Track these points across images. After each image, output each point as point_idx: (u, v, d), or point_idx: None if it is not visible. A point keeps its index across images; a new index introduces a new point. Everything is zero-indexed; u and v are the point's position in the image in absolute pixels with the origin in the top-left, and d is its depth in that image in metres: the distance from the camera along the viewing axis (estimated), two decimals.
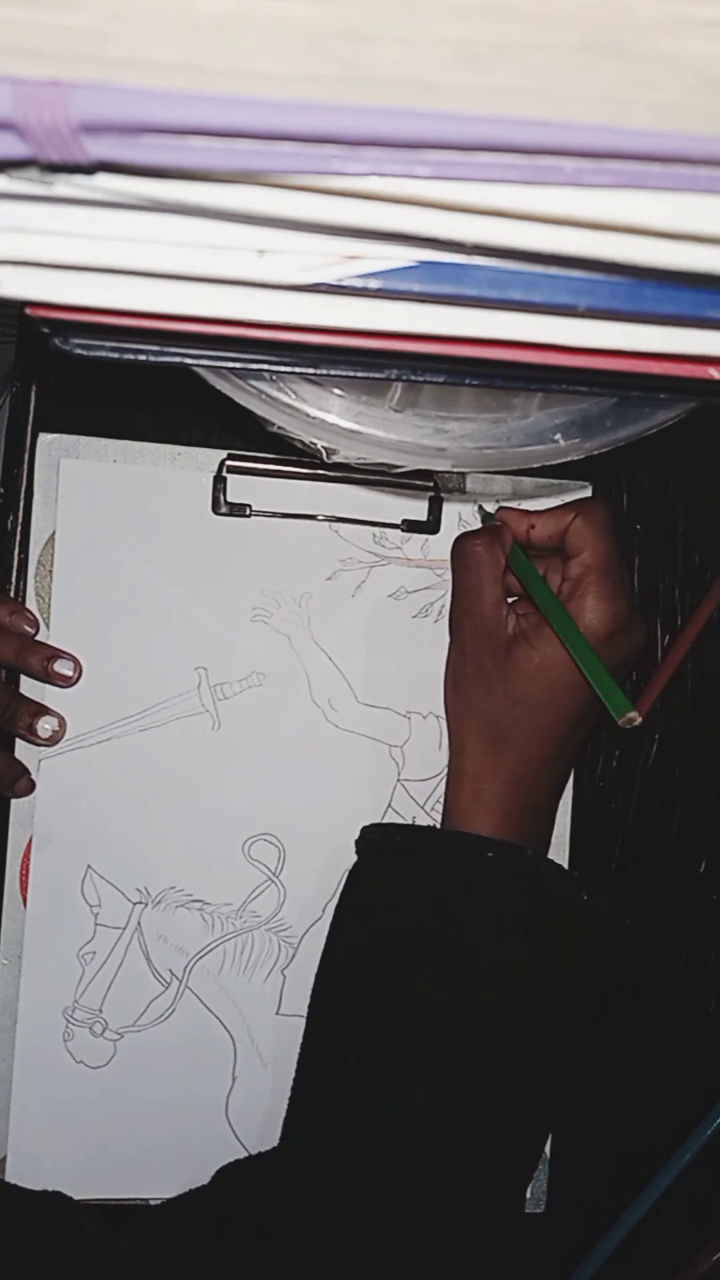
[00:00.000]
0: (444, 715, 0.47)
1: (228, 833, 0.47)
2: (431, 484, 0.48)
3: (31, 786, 0.45)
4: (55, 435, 0.45)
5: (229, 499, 0.47)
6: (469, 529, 0.47)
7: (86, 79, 0.17)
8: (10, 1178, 0.44)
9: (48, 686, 0.45)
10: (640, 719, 0.38)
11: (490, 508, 0.47)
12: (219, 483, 0.46)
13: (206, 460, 0.47)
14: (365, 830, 0.45)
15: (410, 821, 0.48)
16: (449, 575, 0.48)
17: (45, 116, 0.17)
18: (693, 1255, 0.50)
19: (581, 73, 0.17)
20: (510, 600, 0.44)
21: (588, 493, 0.49)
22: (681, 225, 0.19)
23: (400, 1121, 0.38)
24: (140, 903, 0.46)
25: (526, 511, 0.44)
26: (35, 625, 0.45)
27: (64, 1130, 0.45)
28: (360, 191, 0.19)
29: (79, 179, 0.19)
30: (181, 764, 0.46)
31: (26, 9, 0.16)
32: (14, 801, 0.45)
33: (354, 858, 0.47)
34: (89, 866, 0.45)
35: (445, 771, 0.47)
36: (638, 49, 0.17)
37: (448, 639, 0.46)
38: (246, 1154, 0.46)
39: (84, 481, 0.45)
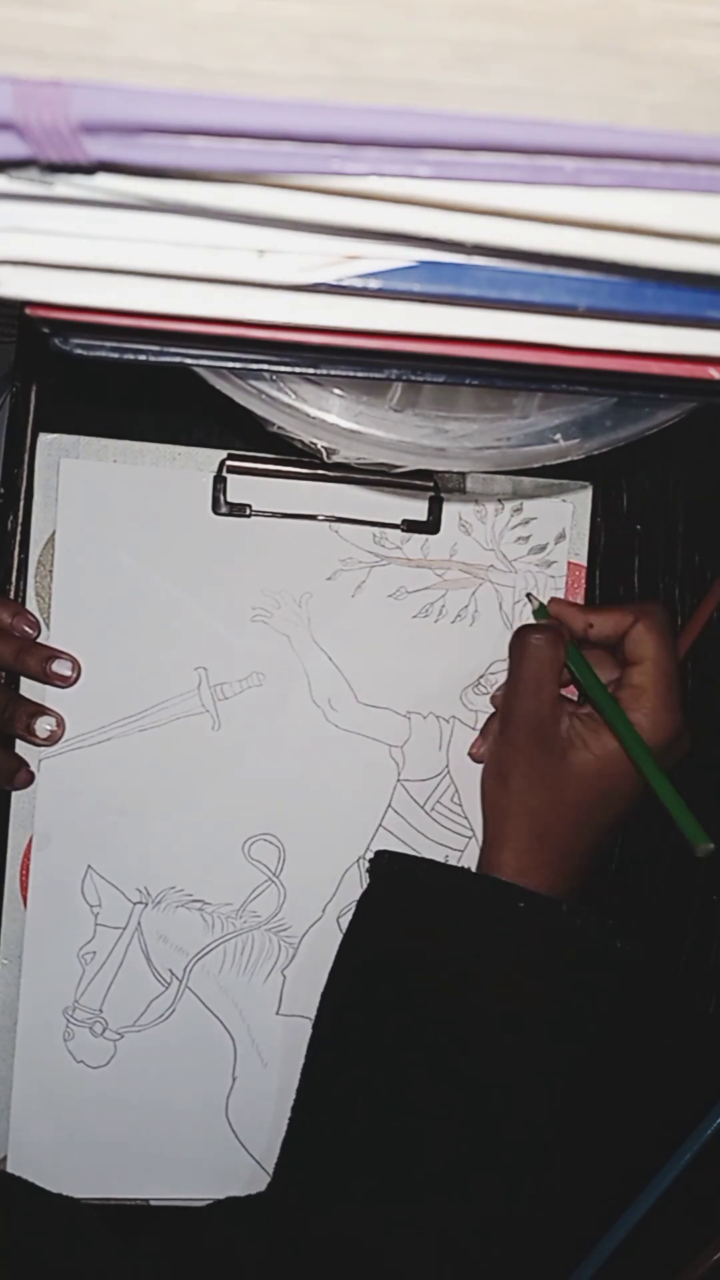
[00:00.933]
0: (482, 784, 0.46)
1: (228, 833, 0.47)
2: (431, 484, 0.48)
3: (30, 779, 0.45)
4: (55, 435, 0.45)
5: (229, 499, 0.47)
6: (526, 621, 0.47)
7: (86, 79, 0.17)
8: None
9: (46, 692, 0.45)
10: (712, 847, 0.38)
11: (541, 599, 0.47)
12: (219, 483, 0.46)
13: (206, 460, 0.47)
14: (385, 857, 0.44)
15: (409, 822, 0.48)
16: (449, 575, 0.48)
17: (45, 116, 0.17)
18: (693, 1255, 0.50)
19: (581, 73, 0.17)
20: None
21: (588, 493, 0.49)
22: (681, 225, 0.19)
23: (407, 1166, 0.38)
24: (140, 903, 0.46)
25: (584, 609, 0.45)
26: (36, 627, 0.45)
27: (64, 1130, 0.45)
28: (360, 191, 0.19)
29: (79, 179, 0.19)
30: (181, 764, 0.46)
31: (26, 9, 0.16)
32: (14, 801, 0.45)
33: (354, 857, 0.47)
34: (89, 866, 0.45)
35: (439, 789, 0.47)
36: (638, 49, 0.17)
37: (443, 649, 0.46)
38: (246, 1153, 0.46)
39: (84, 481, 0.45)
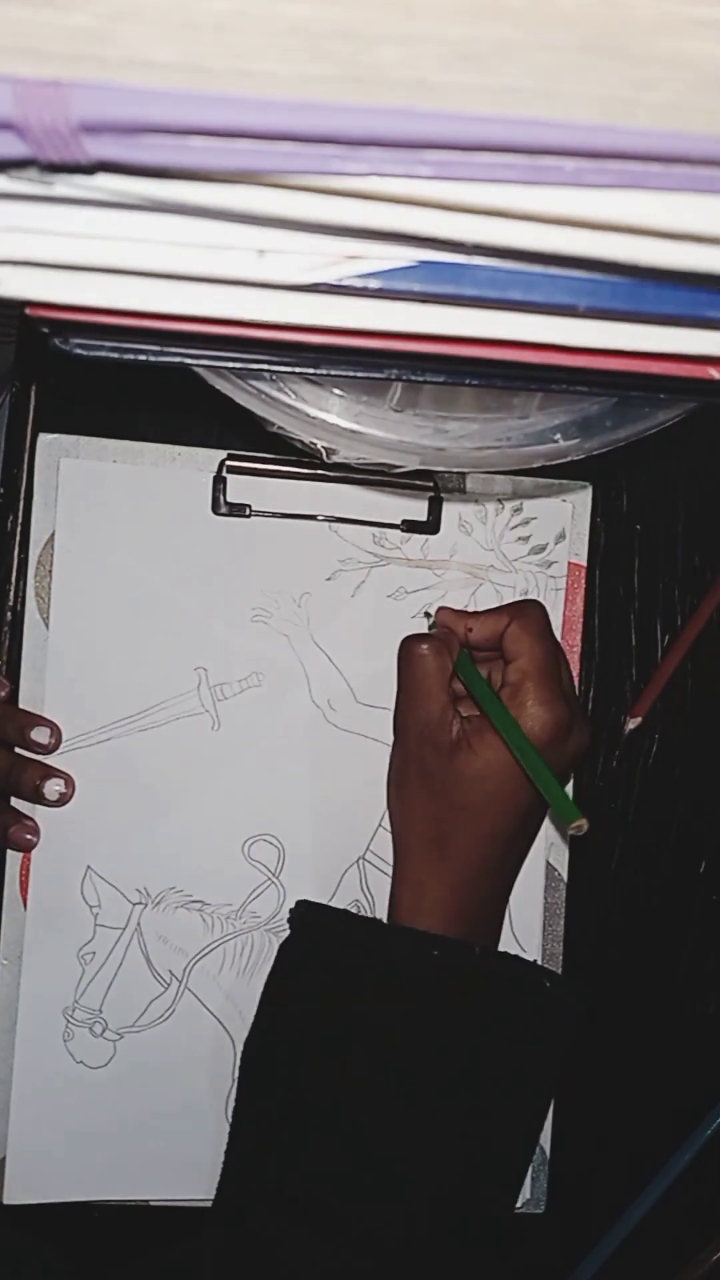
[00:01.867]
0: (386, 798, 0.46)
1: (227, 833, 0.47)
2: (431, 484, 0.48)
3: (35, 838, 0.44)
4: (55, 435, 0.45)
5: (229, 499, 0.46)
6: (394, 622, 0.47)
7: (86, 79, 0.17)
8: (9, 1178, 0.44)
9: (45, 693, 0.45)
10: (587, 826, 0.38)
11: (432, 609, 0.47)
12: (219, 483, 0.46)
13: (206, 460, 0.47)
14: (303, 907, 0.44)
15: None
16: (449, 576, 0.48)
17: (45, 116, 0.17)
18: (693, 1255, 0.50)
19: (581, 73, 0.17)
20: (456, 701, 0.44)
21: (588, 493, 0.49)
22: (681, 225, 0.19)
23: (331, 1217, 0.38)
24: (140, 903, 0.46)
25: (464, 614, 0.44)
26: (5, 688, 0.44)
27: (63, 1130, 0.45)
28: (360, 191, 0.19)
29: (79, 179, 0.19)
30: (181, 764, 0.46)
31: (26, 9, 0.16)
32: (14, 801, 0.45)
33: (354, 858, 0.47)
34: (89, 867, 0.45)
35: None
36: (638, 49, 0.17)
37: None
38: None
39: (84, 481, 0.45)
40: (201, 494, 0.46)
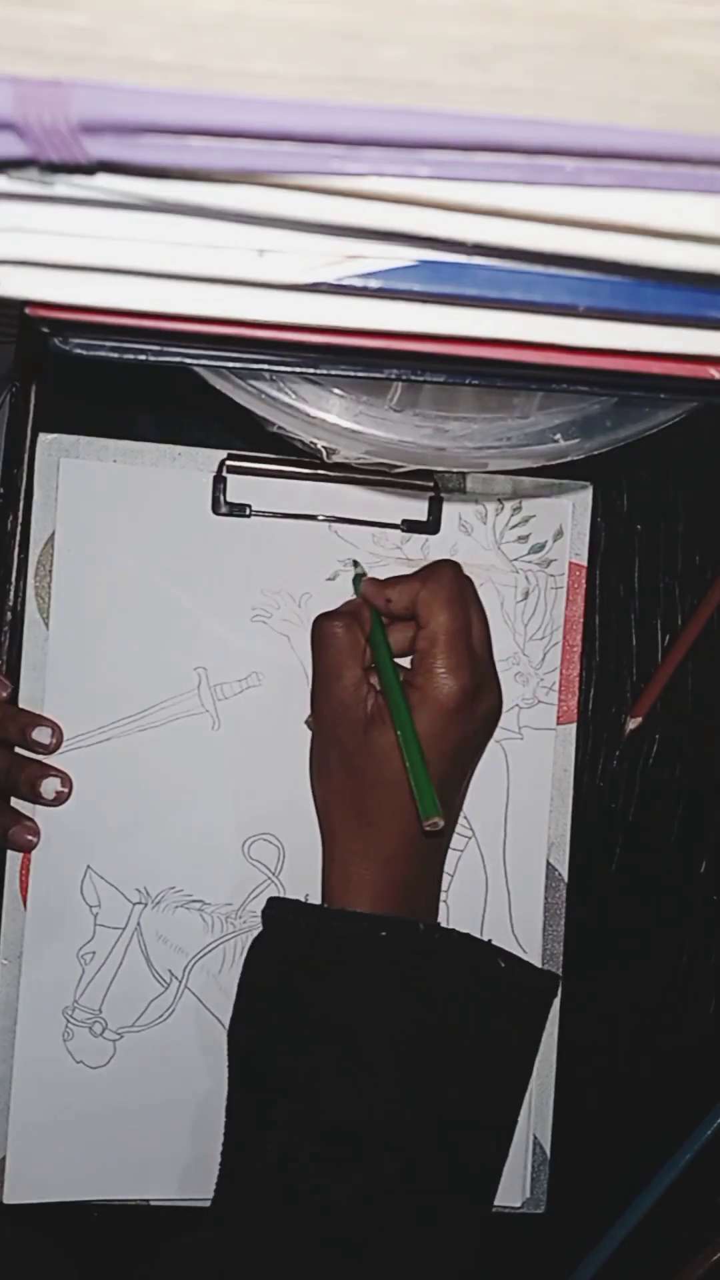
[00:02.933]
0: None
1: (227, 833, 0.47)
2: (432, 484, 0.48)
3: (35, 838, 0.44)
4: (55, 435, 0.45)
5: (229, 499, 0.46)
6: (349, 579, 0.47)
7: (86, 79, 0.17)
8: (9, 1178, 0.44)
9: (45, 692, 0.45)
10: (442, 823, 0.38)
11: (358, 569, 0.47)
12: (219, 483, 0.46)
13: (206, 460, 0.47)
14: (269, 902, 0.44)
15: None
16: None
17: (45, 116, 0.17)
18: (693, 1255, 0.50)
19: (581, 73, 0.17)
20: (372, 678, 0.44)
21: (588, 493, 0.49)
22: (681, 225, 0.19)
23: (317, 1207, 0.38)
24: (140, 903, 0.46)
25: (383, 583, 0.44)
26: (7, 688, 0.44)
27: (63, 1130, 0.45)
28: (360, 191, 0.19)
29: (79, 179, 0.19)
30: (181, 764, 0.46)
31: (26, 9, 0.16)
32: (13, 802, 0.45)
33: None
34: (89, 866, 0.45)
35: None
36: (638, 49, 0.17)
37: None
38: None
39: (84, 481, 0.45)
40: (201, 494, 0.46)
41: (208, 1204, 0.41)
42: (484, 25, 0.17)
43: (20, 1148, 0.44)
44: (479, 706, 0.42)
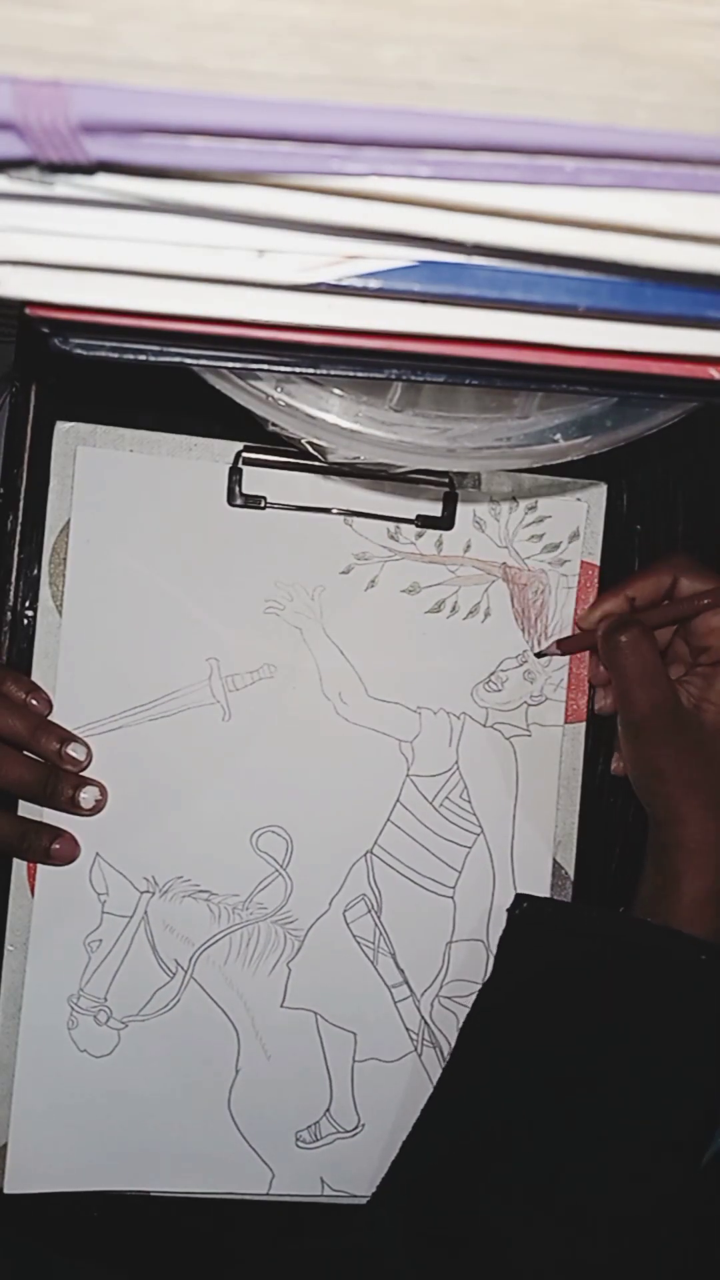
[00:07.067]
0: (638, 793, 0.45)
1: (236, 824, 0.47)
2: (446, 480, 0.48)
3: (75, 850, 0.45)
4: (72, 424, 0.45)
5: (244, 491, 0.47)
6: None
7: (86, 79, 0.17)
8: (10, 1166, 0.44)
9: (58, 679, 0.45)
10: None
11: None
12: (235, 474, 0.47)
13: (223, 451, 0.47)
14: (528, 902, 0.43)
15: (417, 817, 0.48)
16: (462, 572, 0.48)
17: (45, 116, 0.17)
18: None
19: (581, 73, 0.17)
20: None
21: (602, 492, 0.49)
22: (681, 225, 0.19)
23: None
24: (147, 892, 0.46)
25: (619, 589, 0.46)
26: (49, 707, 0.45)
27: (66, 1119, 0.45)
28: (360, 191, 0.19)
29: (79, 179, 0.19)
30: (191, 754, 0.46)
31: (26, 9, 0.16)
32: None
33: (362, 851, 0.47)
34: (97, 854, 0.46)
35: (448, 784, 0.47)
36: (638, 49, 0.17)
37: (455, 645, 0.46)
38: (248, 1146, 0.46)
39: (100, 470, 0.46)
40: (217, 485, 0.47)
41: (209, 1195, 0.40)
42: (484, 25, 0.17)
43: (22, 1136, 0.45)
44: None
